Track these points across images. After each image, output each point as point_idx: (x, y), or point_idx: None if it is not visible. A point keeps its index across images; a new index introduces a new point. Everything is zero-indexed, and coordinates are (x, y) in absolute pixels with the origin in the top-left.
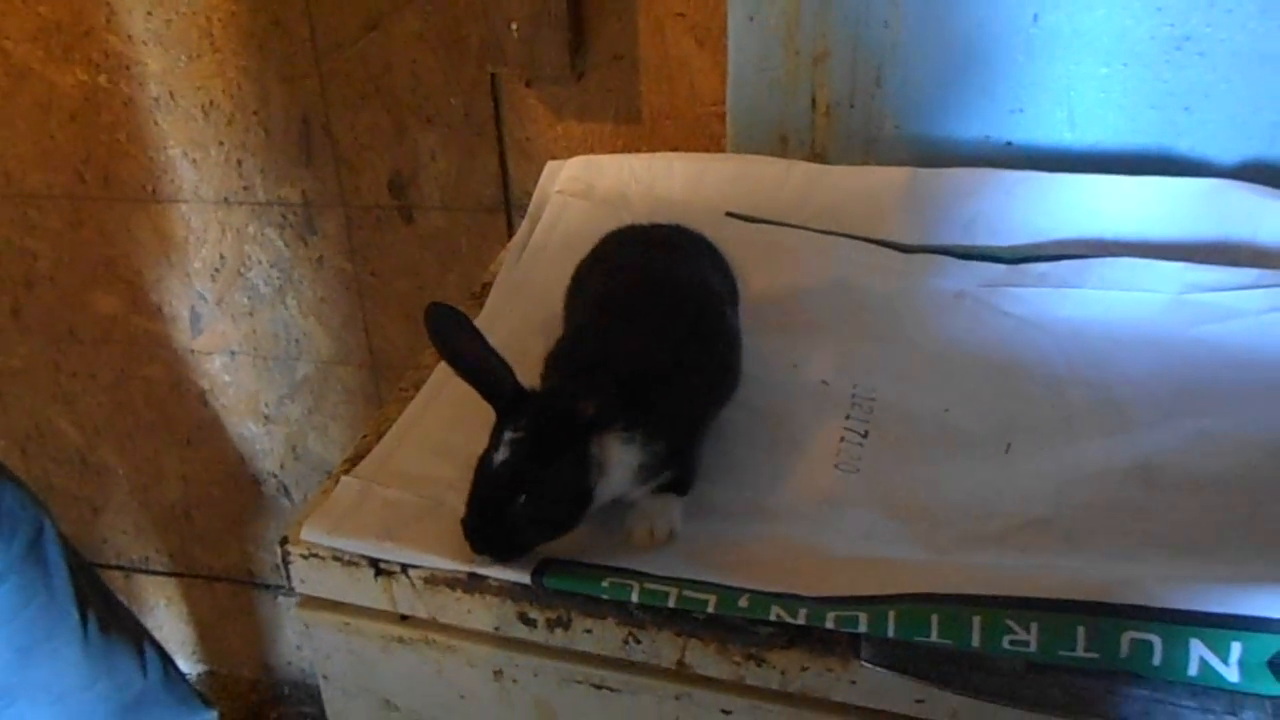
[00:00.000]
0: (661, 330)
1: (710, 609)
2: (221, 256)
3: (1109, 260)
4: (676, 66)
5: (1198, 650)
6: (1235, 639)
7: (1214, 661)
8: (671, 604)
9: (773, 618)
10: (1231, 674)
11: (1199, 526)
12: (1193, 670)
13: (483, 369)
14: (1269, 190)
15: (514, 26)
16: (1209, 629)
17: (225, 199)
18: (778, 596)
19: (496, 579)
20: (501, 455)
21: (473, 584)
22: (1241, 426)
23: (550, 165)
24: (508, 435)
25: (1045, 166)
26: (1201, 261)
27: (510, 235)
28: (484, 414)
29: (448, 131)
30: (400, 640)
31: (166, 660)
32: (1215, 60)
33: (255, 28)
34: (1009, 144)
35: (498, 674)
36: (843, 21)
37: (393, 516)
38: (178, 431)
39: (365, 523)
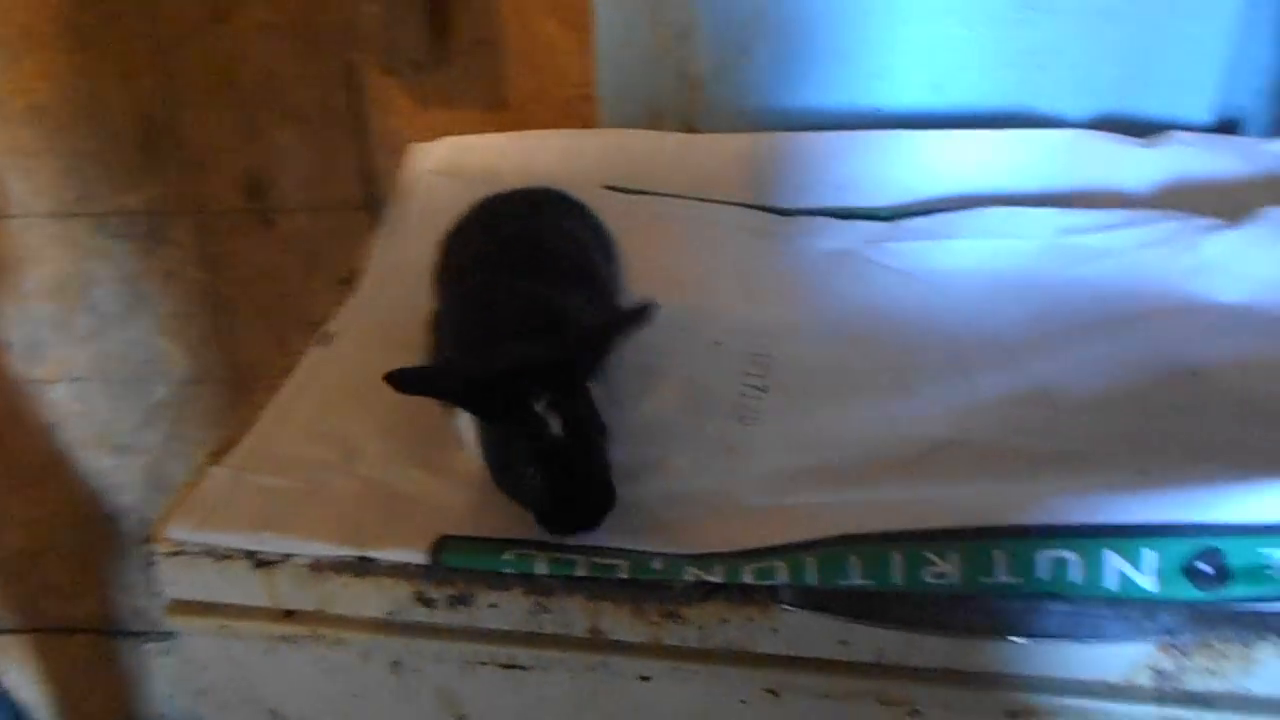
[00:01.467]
0: (582, 283)
1: (622, 575)
2: (59, 275)
3: (983, 210)
4: (542, 49)
5: (1113, 562)
6: (1148, 547)
7: (1131, 572)
8: (580, 573)
9: (689, 579)
10: (1149, 583)
11: (1096, 441)
12: (1111, 584)
13: (469, 387)
14: (1122, 137)
15: (370, 13)
16: (1122, 539)
17: (60, 212)
18: (692, 557)
19: (388, 560)
20: (555, 426)
21: (363, 568)
22: (1125, 350)
23: (416, 148)
24: (539, 407)
25: (912, 129)
26: (1068, 207)
27: None
28: (360, 397)
29: (305, 127)
30: (285, 639)
31: None
32: (1062, 18)
33: (86, 22)
34: (876, 109)
35: (395, 665)
36: None
37: (270, 504)
38: (19, 471)
39: (239, 513)
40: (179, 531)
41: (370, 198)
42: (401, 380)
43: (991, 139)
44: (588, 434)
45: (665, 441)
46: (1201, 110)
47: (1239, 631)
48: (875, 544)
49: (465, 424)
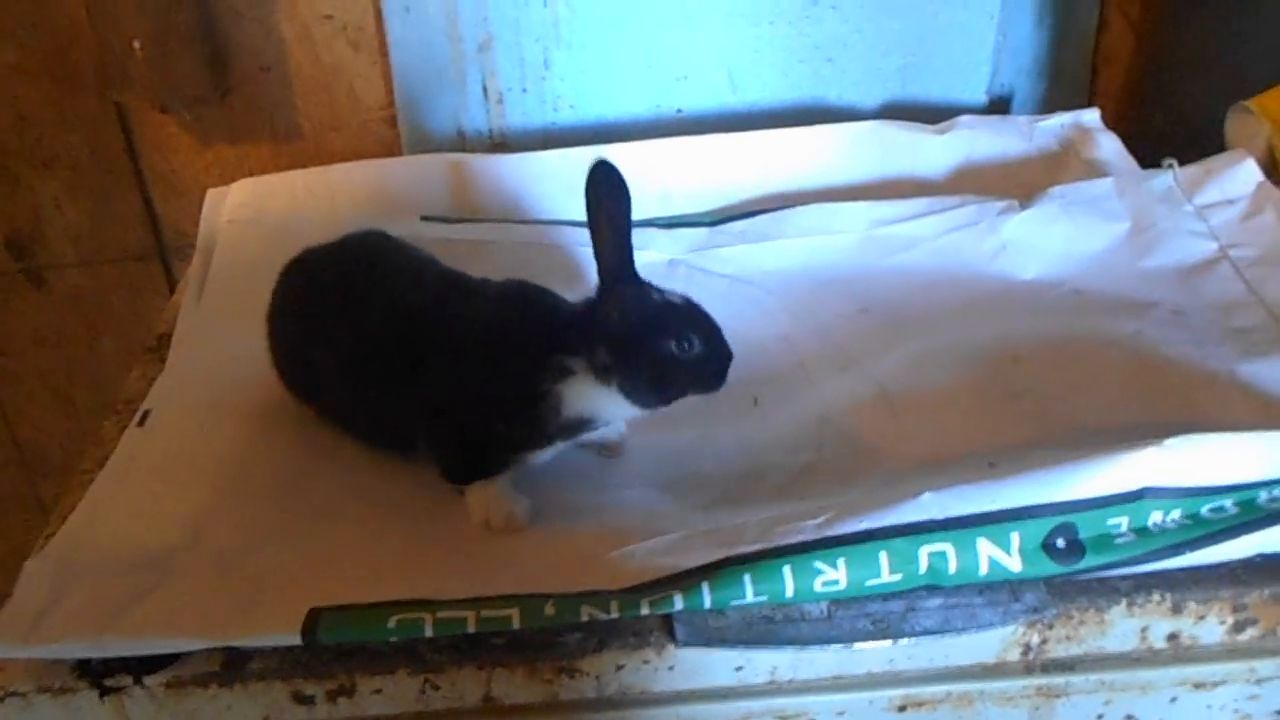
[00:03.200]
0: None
1: (515, 624)
2: None
3: (800, 209)
4: (332, 73)
5: (984, 549)
6: (1013, 530)
7: (999, 556)
8: (471, 629)
9: (584, 618)
10: (1015, 564)
11: (943, 439)
12: (982, 569)
13: (617, 233)
14: (915, 125)
15: (137, 44)
16: (990, 526)
17: None
18: (585, 595)
19: (255, 666)
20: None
21: (229, 675)
22: (950, 345)
23: (211, 194)
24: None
25: (715, 129)
26: (874, 198)
27: (170, 283)
28: (193, 474)
29: (72, 175)
30: None
31: None
32: (846, 13)
33: None
34: (679, 111)
35: None
36: (501, 5)
37: (108, 599)
38: None
39: (74, 614)
40: (6, 649)
41: (157, 245)
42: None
43: (796, 137)
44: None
45: (529, 485)
46: (978, 91)
47: (1092, 598)
48: (766, 560)
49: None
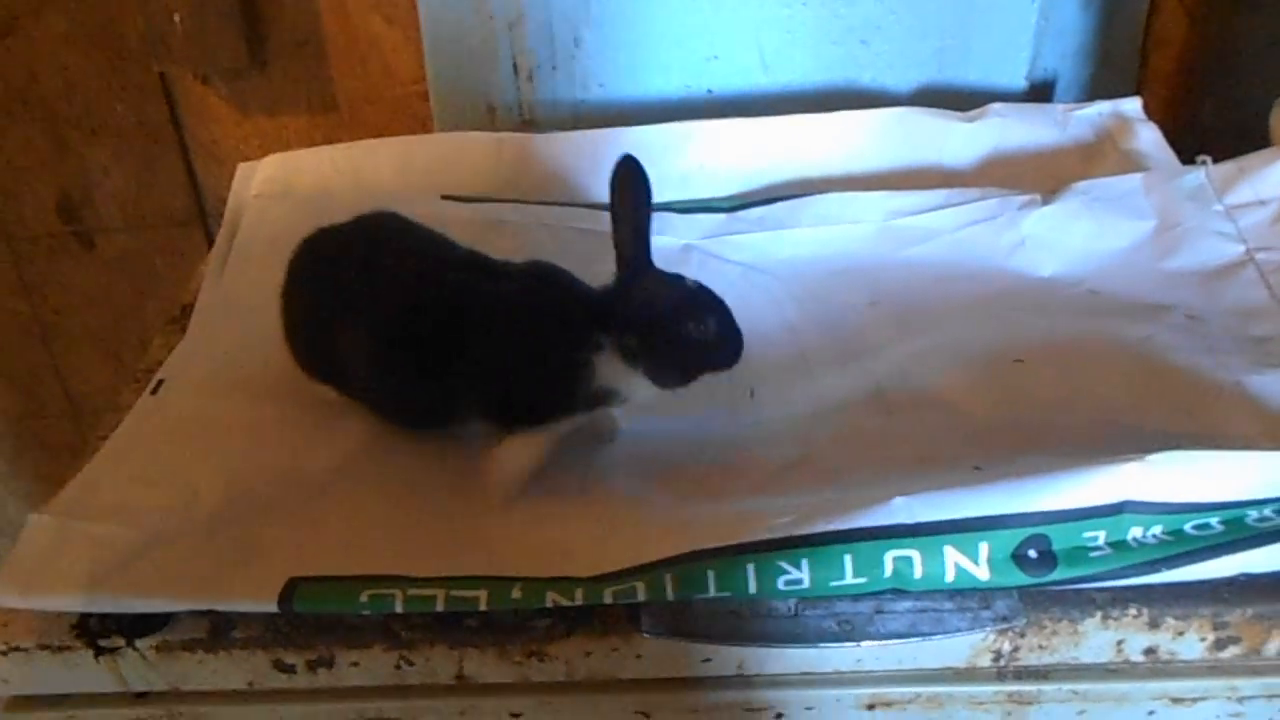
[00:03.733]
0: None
1: (482, 605)
2: None
3: (818, 197)
4: (367, 47)
5: (951, 557)
6: (982, 539)
7: (966, 564)
8: (440, 607)
9: (549, 604)
10: (982, 573)
11: (931, 441)
12: (949, 576)
13: (638, 226)
14: (945, 113)
15: (177, 18)
16: (959, 534)
17: None
18: (552, 581)
19: (239, 634)
20: (690, 282)
21: (214, 642)
22: (954, 343)
23: (242, 168)
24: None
25: (745, 110)
26: (899, 187)
27: (210, 247)
28: (196, 442)
29: (119, 142)
30: None
31: None
32: None
33: None
34: (709, 91)
35: None
36: None
37: (103, 556)
38: None
39: (68, 570)
40: (5, 599)
41: (198, 211)
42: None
43: (823, 122)
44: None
45: None
46: (1017, 76)
47: (1065, 609)
48: (730, 556)
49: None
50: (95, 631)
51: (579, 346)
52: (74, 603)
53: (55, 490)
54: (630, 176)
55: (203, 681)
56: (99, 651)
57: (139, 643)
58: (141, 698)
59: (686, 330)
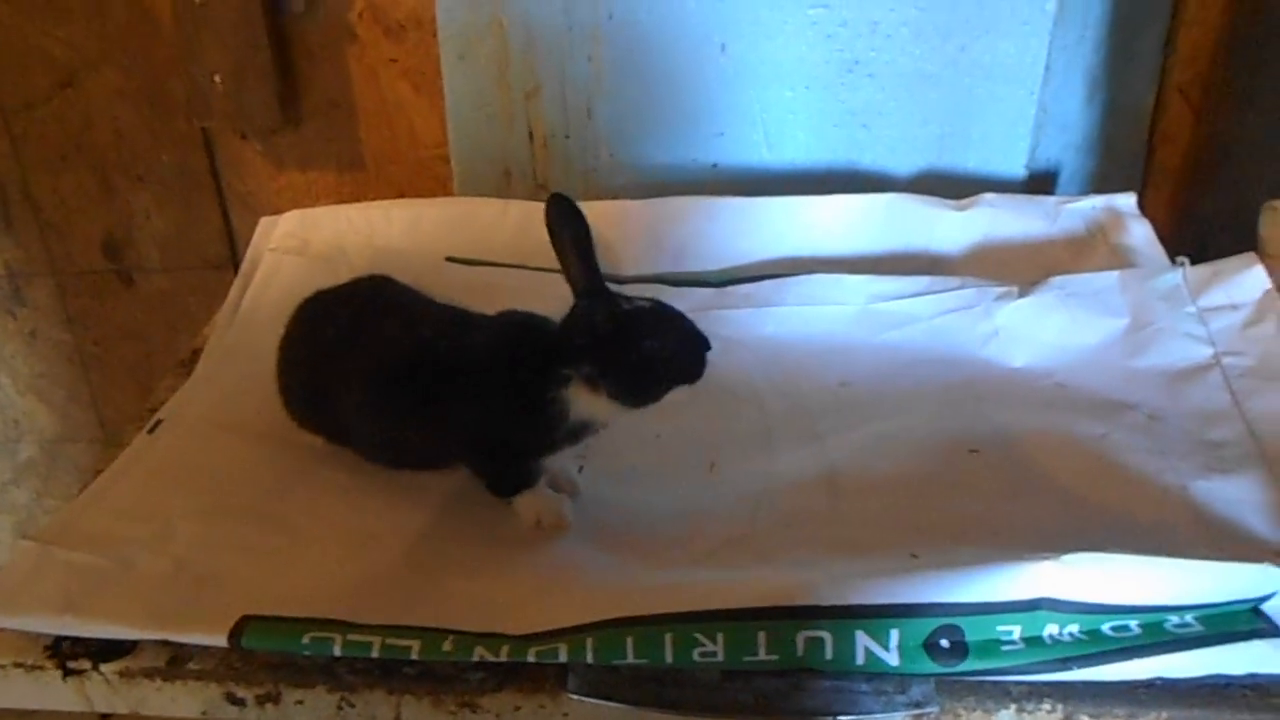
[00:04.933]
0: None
1: (414, 655)
2: None
3: (804, 278)
4: (394, 111)
5: (863, 641)
6: (894, 626)
7: (876, 649)
8: (375, 653)
9: (476, 658)
10: (892, 659)
11: (872, 527)
12: (859, 659)
13: (583, 254)
14: (937, 200)
15: (218, 78)
16: (871, 619)
17: None
18: (480, 636)
19: (195, 666)
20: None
21: (171, 671)
22: (913, 429)
23: (264, 222)
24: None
25: (748, 185)
26: (886, 271)
27: None
28: (181, 481)
29: (161, 189)
30: None
31: None
32: (883, 81)
33: None
34: (715, 165)
35: None
36: (549, 57)
37: (74, 583)
38: None
39: (43, 594)
40: None
41: (231, 257)
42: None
43: (816, 205)
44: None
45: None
46: (1017, 165)
47: (980, 700)
48: (648, 625)
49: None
50: (65, 654)
51: (548, 385)
52: (45, 624)
53: None
54: (562, 211)
55: (161, 708)
56: (67, 673)
57: (104, 667)
58: (105, 718)
59: (645, 348)
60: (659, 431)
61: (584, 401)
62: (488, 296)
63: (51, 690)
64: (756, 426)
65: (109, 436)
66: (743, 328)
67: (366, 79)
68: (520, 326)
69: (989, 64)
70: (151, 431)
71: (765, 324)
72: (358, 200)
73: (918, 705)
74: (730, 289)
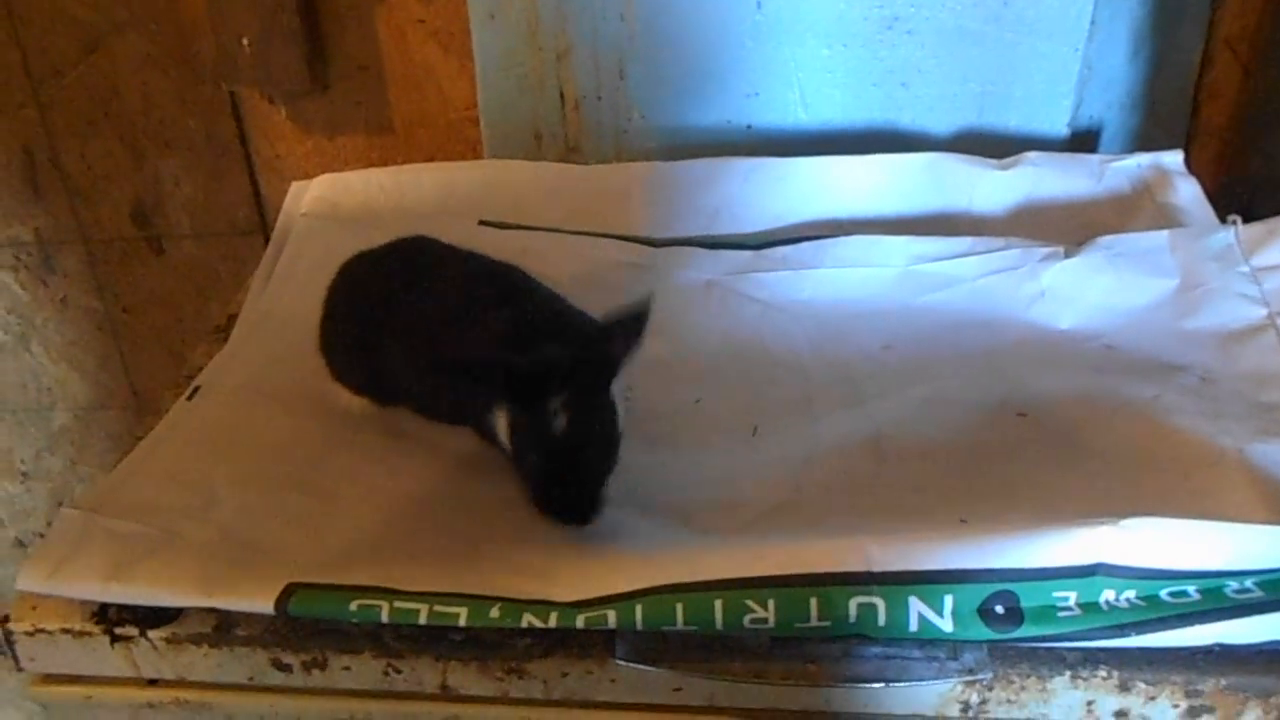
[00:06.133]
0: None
1: (461, 622)
2: None
3: (843, 239)
4: (423, 73)
5: (916, 607)
6: (947, 592)
7: (930, 615)
8: (422, 620)
9: (524, 625)
10: (946, 625)
11: (920, 491)
12: (913, 626)
13: (506, 375)
14: (978, 159)
15: (245, 42)
16: (924, 585)
17: None
18: (528, 603)
19: (241, 632)
20: (559, 422)
21: (218, 637)
22: (958, 393)
23: (295, 186)
24: (553, 404)
25: (783, 146)
26: (926, 232)
27: None
28: (222, 448)
29: (190, 155)
30: (150, 706)
31: None
32: (923, 38)
33: None
34: (749, 127)
35: None
36: (581, 16)
37: (120, 551)
38: None
39: (88, 562)
40: (29, 584)
41: (260, 223)
42: (444, 363)
43: (854, 165)
44: (588, 437)
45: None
46: (1059, 124)
47: (1035, 666)
48: (699, 592)
49: (502, 424)
50: (113, 620)
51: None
52: (91, 592)
53: None
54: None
55: (207, 673)
56: (115, 639)
57: (151, 633)
58: (153, 684)
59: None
60: (698, 396)
61: (502, 428)
62: (522, 261)
63: (99, 656)
64: (797, 391)
65: (140, 403)
66: (781, 291)
67: (394, 41)
68: (517, 326)
69: (1032, 19)
70: (190, 398)
71: (804, 287)
72: (386, 164)
73: (970, 672)
74: (767, 251)
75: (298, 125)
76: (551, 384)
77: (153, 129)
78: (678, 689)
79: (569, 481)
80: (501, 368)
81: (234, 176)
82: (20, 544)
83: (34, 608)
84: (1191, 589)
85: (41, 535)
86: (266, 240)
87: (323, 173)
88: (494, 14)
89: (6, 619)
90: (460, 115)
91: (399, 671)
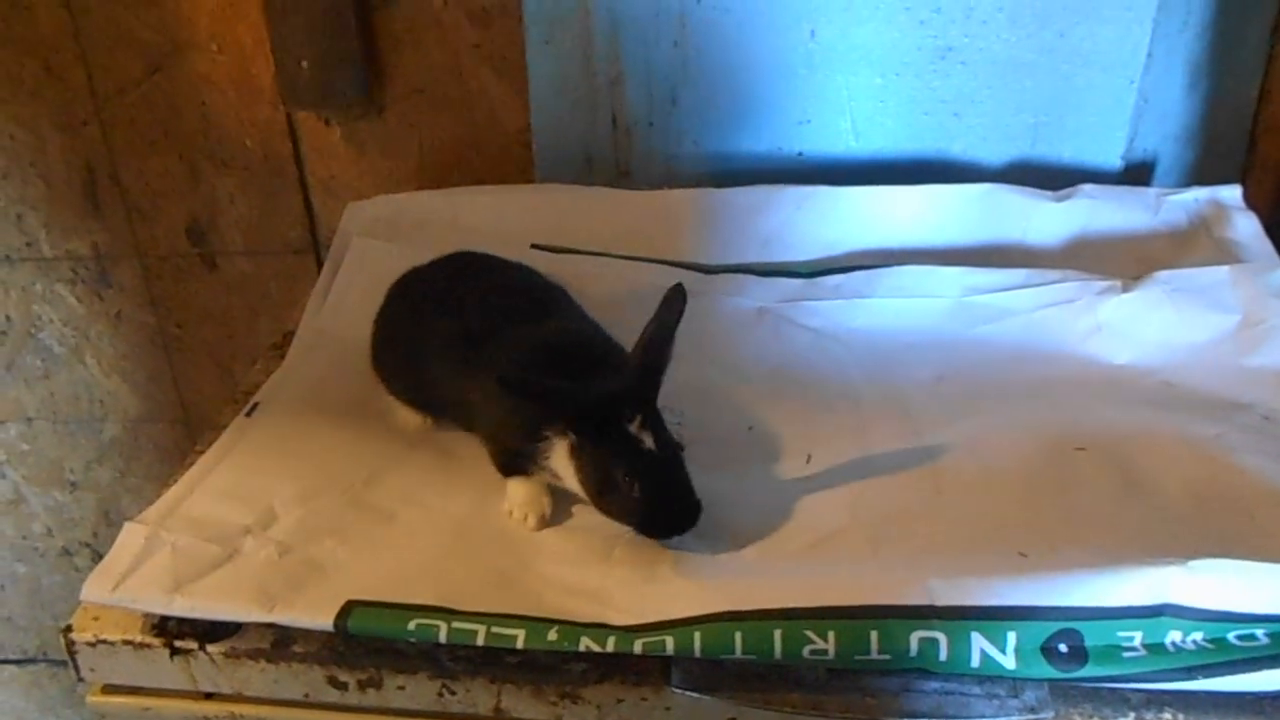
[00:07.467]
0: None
1: (519, 644)
2: (7, 318)
3: (896, 269)
4: (477, 97)
5: (978, 643)
6: (1011, 629)
7: (993, 652)
8: (480, 641)
9: (582, 649)
10: (1009, 662)
11: (977, 523)
12: (975, 662)
13: (557, 399)
14: (1033, 191)
15: (304, 64)
16: (987, 622)
17: (7, 257)
18: (586, 627)
19: (299, 649)
20: (649, 443)
21: (276, 653)
22: (1015, 426)
23: (351, 207)
24: (633, 427)
25: (834, 174)
26: (979, 263)
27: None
28: (281, 465)
29: (246, 174)
30: (206, 719)
31: None
32: (976, 68)
33: (25, 75)
34: (800, 154)
35: None
36: (634, 43)
37: (183, 566)
38: None
39: (152, 576)
40: (94, 595)
41: (312, 242)
42: (516, 385)
43: (908, 195)
44: (673, 446)
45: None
46: (1113, 156)
47: (1098, 706)
48: (758, 620)
49: (559, 456)
50: (172, 633)
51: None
52: (155, 604)
53: (160, 491)
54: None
55: (264, 689)
56: (174, 652)
57: (210, 647)
58: (209, 697)
59: (615, 476)
60: (750, 423)
61: (561, 460)
62: (574, 285)
63: (158, 668)
64: (851, 419)
65: (189, 417)
66: (832, 320)
67: (451, 64)
68: (557, 349)
69: (1088, 51)
70: (249, 414)
71: (856, 316)
72: (438, 186)
73: (1032, 710)
74: (819, 280)
75: (352, 146)
76: (625, 409)
77: (210, 148)
78: (732, 718)
79: (674, 494)
80: (570, 401)
81: (288, 196)
82: (67, 553)
83: (96, 618)
84: (1260, 632)
85: (88, 545)
86: (318, 259)
87: (376, 194)
88: (549, 39)
89: (69, 629)
90: (512, 139)
91: (453, 693)
